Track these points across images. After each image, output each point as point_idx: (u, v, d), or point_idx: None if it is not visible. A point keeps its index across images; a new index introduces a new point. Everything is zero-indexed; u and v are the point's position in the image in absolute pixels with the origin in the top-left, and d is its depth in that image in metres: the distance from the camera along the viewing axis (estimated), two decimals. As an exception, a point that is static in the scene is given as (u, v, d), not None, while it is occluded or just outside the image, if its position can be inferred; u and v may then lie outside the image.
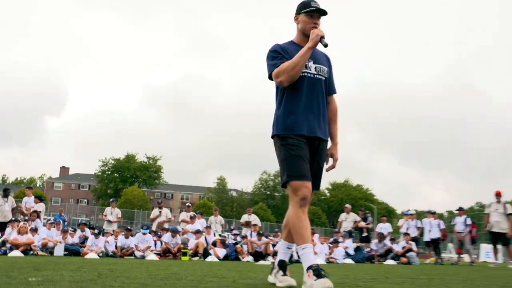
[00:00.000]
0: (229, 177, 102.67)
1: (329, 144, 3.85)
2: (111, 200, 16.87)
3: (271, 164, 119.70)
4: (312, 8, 3.68)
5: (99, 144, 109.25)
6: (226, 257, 12.81)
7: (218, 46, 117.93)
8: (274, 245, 13.35)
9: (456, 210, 15.14)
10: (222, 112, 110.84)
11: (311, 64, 3.72)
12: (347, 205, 17.28)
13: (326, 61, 3.88)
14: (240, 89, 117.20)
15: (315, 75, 3.71)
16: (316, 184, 3.66)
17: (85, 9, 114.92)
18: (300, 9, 3.75)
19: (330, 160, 3.84)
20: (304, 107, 3.63)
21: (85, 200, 79.83)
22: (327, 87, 3.80)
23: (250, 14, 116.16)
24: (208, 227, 14.29)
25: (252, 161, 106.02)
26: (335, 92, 3.92)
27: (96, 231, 13.79)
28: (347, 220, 16.36)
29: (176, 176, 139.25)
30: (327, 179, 73.50)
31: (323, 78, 3.74)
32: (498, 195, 13.23)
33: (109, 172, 67.41)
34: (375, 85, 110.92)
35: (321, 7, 3.72)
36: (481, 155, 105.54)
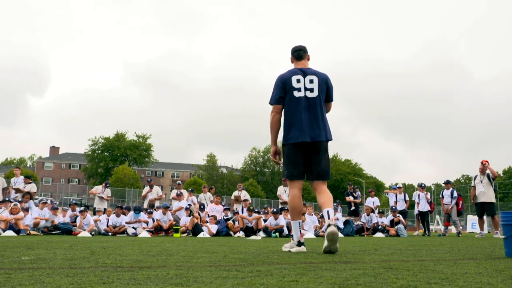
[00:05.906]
0: (218, 154, 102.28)
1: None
2: (105, 182, 16.70)
3: (260, 141, 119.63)
4: None
5: (85, 122, 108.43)
6: (217, 233, 12.93)
7: (198, 23, 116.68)
8: (265, 221, 13.48)
9: (443, 183, 15.28)
10: (204, 89, 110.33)
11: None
12: None
13: None
14: (222, 66, 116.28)
15: None
16: None
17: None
18: None
19: None
20: None
21: (76, 180, 79.73)
22: None
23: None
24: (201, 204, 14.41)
25: (240, 138, 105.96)
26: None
27: (82, 208, 13.60)
28: None
29: (163, 154, 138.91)
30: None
31: None
32: (483, 164, 13.26)
33: (99, 151, 67.21)
34: (360, 61, 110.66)
35: None
36: (465, 130, 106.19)
